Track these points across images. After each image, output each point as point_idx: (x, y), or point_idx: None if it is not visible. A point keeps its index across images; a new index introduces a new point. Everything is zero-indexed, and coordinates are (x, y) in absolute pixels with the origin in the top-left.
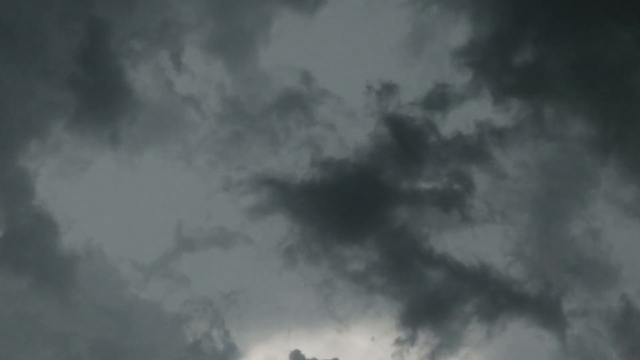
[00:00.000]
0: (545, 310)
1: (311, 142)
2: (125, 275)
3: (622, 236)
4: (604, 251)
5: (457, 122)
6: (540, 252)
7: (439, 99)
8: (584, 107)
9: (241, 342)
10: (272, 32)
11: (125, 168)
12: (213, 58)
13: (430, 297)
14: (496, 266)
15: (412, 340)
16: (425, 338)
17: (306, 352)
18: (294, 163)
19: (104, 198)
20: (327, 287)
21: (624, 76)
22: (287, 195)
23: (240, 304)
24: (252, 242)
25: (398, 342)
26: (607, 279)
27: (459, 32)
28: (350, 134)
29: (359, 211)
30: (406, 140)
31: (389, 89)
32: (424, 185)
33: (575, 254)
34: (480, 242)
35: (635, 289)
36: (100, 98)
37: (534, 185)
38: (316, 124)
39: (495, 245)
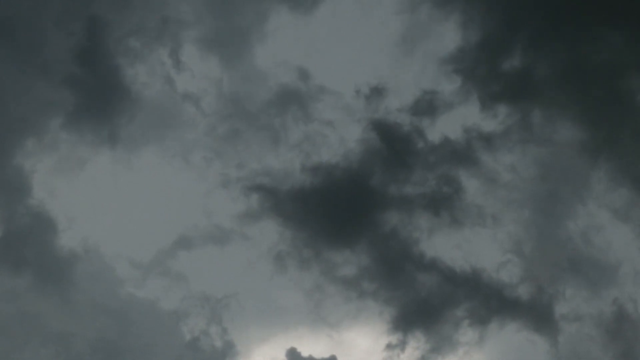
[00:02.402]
0: (537, 314)
1: (308, 139)
2: (123, 274)
3: (613, 239)
4: (595, 254)
5: (445, 127)
6: (532, 255)
7: (428, 105)
8: (573, 112)
9: (239, 340)
10: (269, 29)
11: (122, 166)
12: (210, 55)
13: (422, 302)
14: (487, 270)
15: (402, 345)
16: (416, 343)
17: (302, 350)
18: (292, 162)
19: (101, 196)
20: (318, 292)
21: (613, 80)
22: (277, 201)
23: (237, 303)
24: (249, 240)
25: (389, 347)
26: (600, 283)
27: (448, 38)
28: (345, 132)
29: (349, 216)
30: (395, 145)
31: (377, 92)
32: (413, 189)
33: (567, 257)
34: (471, 245)
35: (627, 293)
36: (98, 96)
37: (525, 188)
38: (314, 120)
39: (486, 248)
